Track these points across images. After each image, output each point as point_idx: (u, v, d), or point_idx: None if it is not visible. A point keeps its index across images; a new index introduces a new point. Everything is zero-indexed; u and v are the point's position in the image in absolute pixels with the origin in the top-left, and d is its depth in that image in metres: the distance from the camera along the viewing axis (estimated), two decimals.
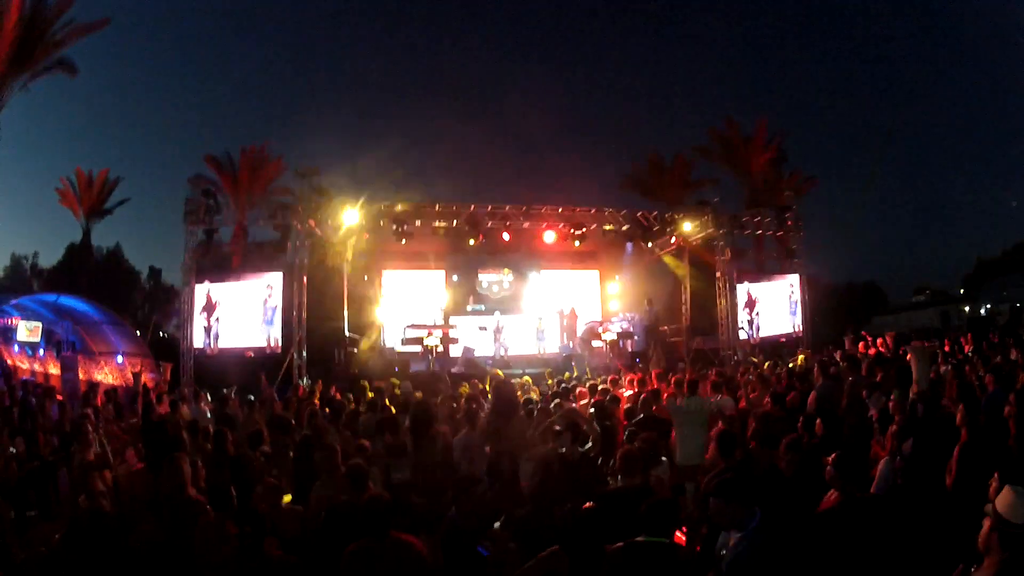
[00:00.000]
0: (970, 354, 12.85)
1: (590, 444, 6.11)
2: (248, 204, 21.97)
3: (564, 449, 5.43)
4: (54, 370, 17.64)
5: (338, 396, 10.34)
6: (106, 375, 18.68)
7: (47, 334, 18.62)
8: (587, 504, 3.65)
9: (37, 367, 17.37)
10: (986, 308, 41.31)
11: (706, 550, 3.77)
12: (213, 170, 24.37)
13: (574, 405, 7.69)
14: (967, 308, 41.95)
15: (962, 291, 48.65)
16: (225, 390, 11.71)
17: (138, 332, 21.27)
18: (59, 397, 12.03)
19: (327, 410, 8.55)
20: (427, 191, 18.53)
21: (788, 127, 26.54)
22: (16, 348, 18.04)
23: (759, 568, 3.22)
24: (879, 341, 13.82)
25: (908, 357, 10.06)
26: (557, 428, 5.80)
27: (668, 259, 19.88)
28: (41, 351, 18.26)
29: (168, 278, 38.53)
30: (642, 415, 6.90)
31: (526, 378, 12.52)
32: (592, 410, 7.41)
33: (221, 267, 17.55)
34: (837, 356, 12.93)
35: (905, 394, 6.41)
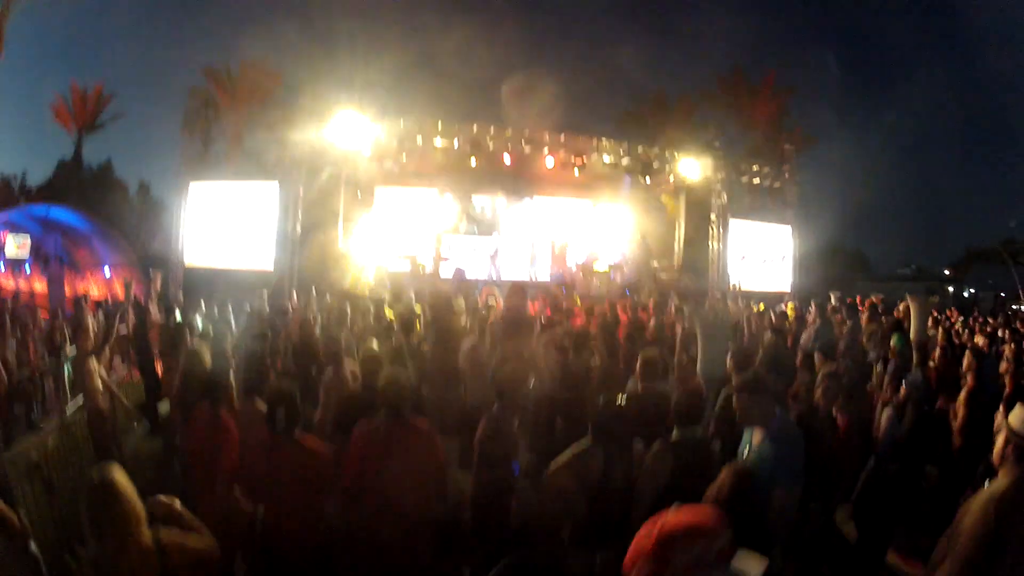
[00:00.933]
0: (957, 324, 13.25)
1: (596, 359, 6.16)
2: (246, 117, 21.59)
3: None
4: (40, 287, 17.56)
5: None
6: (93, 289, 18.61)
7: (35, 249, 18.52)
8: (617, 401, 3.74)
9: (23, 285, 17.19)
10: (970, 292, 41.86)
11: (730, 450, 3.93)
12: (211, 83, 23.93)
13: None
14: (951, 288, 42.52)
15: (947, 272, 49.15)
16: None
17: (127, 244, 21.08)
18: (44, 315, 11.94)
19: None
20: (427, 108, 18.13)
21: (795, 84, 26.15)
22: (2, 267, 17.92)
23: (782, 461, 3.38)
24: (867, 301, 13.95)
25: (901, 307, 10.49)
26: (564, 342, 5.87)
27: (664, 198, 19.94)
28: (27, 267, 18.29)
29: (157, 192, 38.08)
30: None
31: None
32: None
33: (216, 177, 17.35)
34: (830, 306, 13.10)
35: (903, 340, 6.77)
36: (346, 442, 3.79)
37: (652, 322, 8.77)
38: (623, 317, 9.79)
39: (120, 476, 2.55)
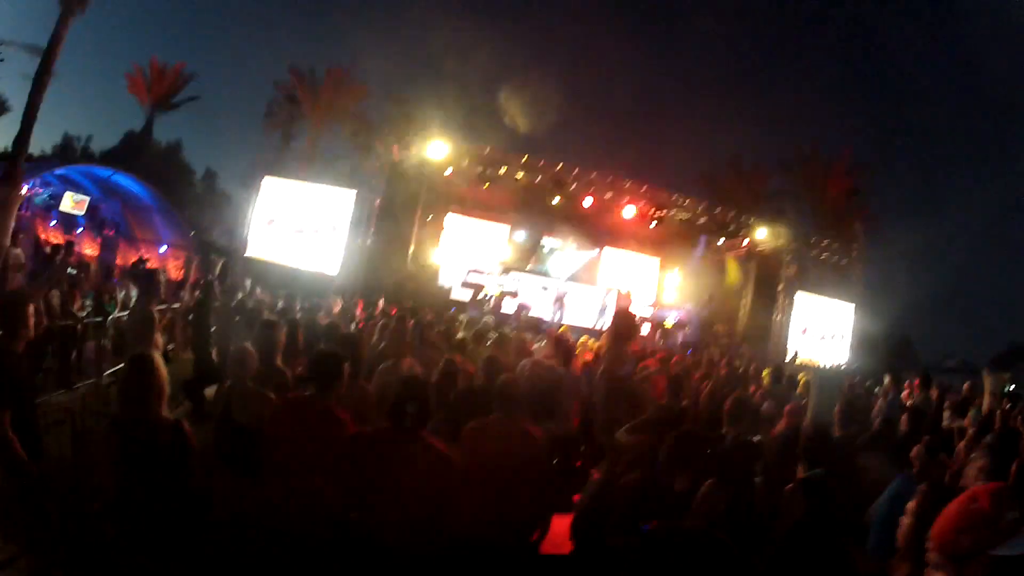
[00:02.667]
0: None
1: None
2: (327, 122, 21.87)
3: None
4: (90, 250, 17.49)
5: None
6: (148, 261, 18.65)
7: (92, 210, 18.37)
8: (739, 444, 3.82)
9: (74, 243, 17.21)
10: (1010, 388, 40.67)
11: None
12: (295, 81, 24.30)
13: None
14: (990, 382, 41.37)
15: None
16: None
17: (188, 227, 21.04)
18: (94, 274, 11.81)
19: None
20: (511, 142, 18.20)
21: (870, 164, 26.06)
22: (53, 222, 17.62)
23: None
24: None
25: (965, 387, 10.38)
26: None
27: (730, 263, 19.74)
28: (80, 228, 17.96)
29: (222, 184, 38.49)
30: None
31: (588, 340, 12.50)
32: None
33: (291, 175, 17.48)
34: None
35: (979, 412, 6.87)
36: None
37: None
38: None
39: (158, 358, 3.06)
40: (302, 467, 3.30)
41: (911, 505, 2.95)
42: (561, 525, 4.04)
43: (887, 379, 16.07)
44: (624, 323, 6.42)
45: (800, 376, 10.30)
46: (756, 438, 4.57)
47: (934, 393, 9.82)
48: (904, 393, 10.01)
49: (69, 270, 10.05)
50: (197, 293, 9.94)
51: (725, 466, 3.54)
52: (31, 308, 3.55)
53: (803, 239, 19.08)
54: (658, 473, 3.75)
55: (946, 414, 8.38)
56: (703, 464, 3.56)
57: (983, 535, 1.78)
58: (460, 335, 7.99)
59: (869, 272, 21.02)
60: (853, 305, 20.17)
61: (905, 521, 2.86)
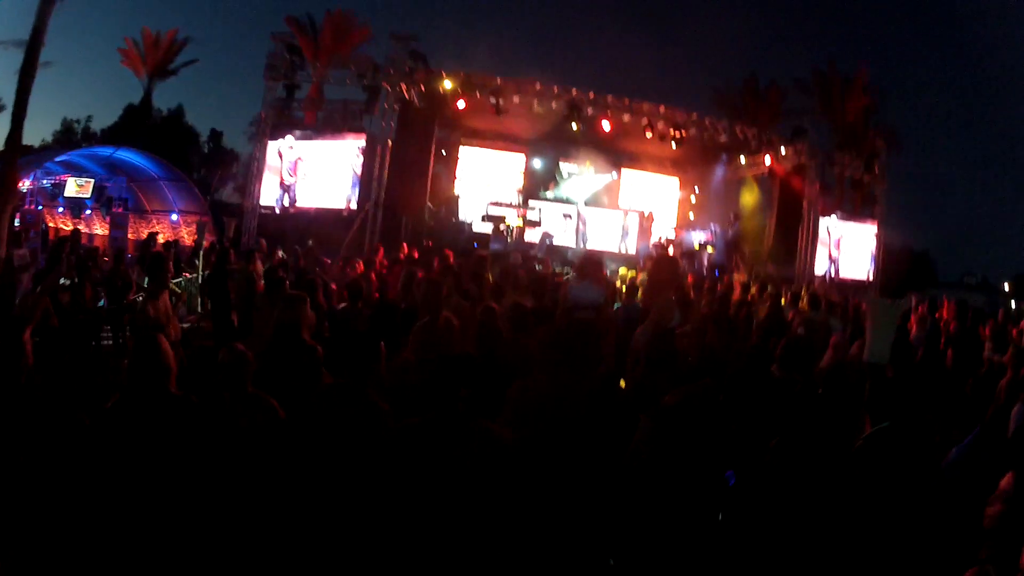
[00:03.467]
0: None
1: None
2: (331, 67, 21.33)
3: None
4: (100, 230, 17.30)
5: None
6: (158, 234, 18.45)
7: (98, 191, 18.04)
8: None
9: (82, 228, 16.97)
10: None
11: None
12: (294, 31, 23.61)
13: None
14: (1013, 304, 41.13)
15: (1006, 286, 47.68)
16: (298, 247, 11.37)
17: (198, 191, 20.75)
18: (105, 259, 11.40)
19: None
20: (523, 69, 17.67)
21: (888, 82, 25.57)
22: (60, 209, 17.46)
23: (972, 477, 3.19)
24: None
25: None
26: None
27: (750, 184, 19.43)
28: (88, 210, 17.84)
29: (228, 142, 38.06)
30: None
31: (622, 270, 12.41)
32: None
33: (298, 126, 17.10)
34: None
35: (1020, 350, 6.30)
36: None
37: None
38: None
39: (163, 339, 3.05)
40: (337, 467, 2.92)
41: (1005, 486, 2.69)
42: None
43: (913, 299, 15.89)
44: (667, 269, 6.14)
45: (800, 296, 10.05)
46: None
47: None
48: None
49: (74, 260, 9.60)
50: (212, 259, 9.80)
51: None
52: (28, 334, 3.28)
53: (824, 156, 18.67)
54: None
55: (987, 346, 8.12)
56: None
57: None
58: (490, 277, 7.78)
59: (891, 190, 20.66)
60: (875, 224, 19.96)
61: (994, 507, 2.64)
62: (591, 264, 6.01)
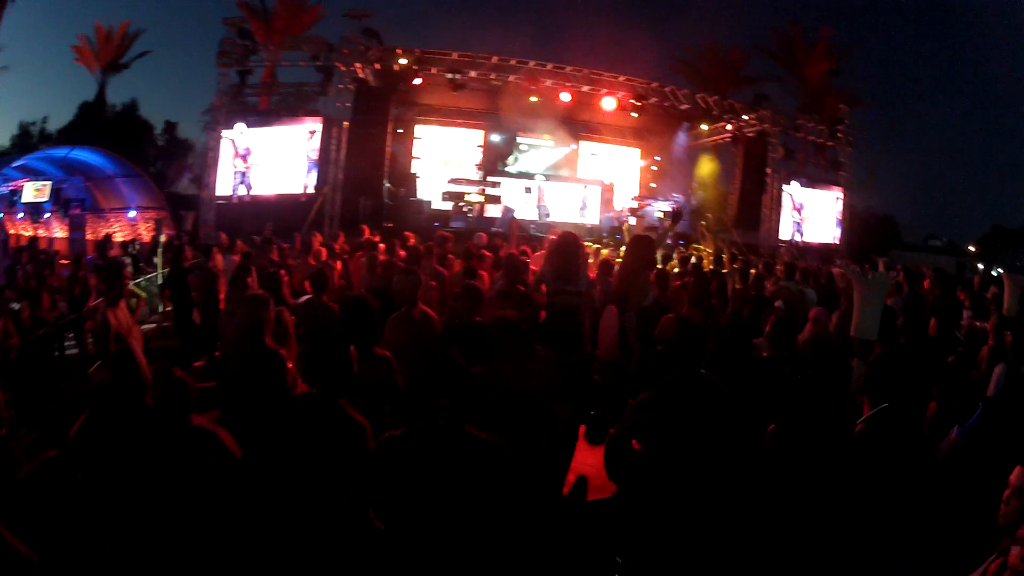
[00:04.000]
0: None
1: None
2: (284, 50, 20.85)
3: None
4: (60, 233, 16.94)
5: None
6: (116, 233, 18.00)
7: (55, 193, 17.60)
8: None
9: (42, 232, 16.52)
10: (998, 271, 41.09)
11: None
12: (246, 14, 23.01)
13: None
14: (980, 266, 41.77)
15: (971, 248, 48.44)
16: (256, 237, 11.00)
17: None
18: (64, 261, 11.02)
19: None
20: (473, 44, 17.31)
21: (848, 44, 25.46)
22: (20, 215, 16.95)
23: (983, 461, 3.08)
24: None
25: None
26: None
27: (708, 152, 19.41)
28: (47, 213, 17.34)
29: (183, 132, 37.25)
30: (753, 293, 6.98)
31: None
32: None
33: (252, 112, 16.65)
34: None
35: (1002, 316, 6.28)
36: None
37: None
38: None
39: (138, 350, 3.04)
40: (312, 486, 2.67)
41: (1016, 482, 2.53)
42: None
43: (880, 263, 15.97)
44: (645, 249, 5.89)
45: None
46: None
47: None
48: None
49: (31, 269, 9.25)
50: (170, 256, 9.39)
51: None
52: None
53: (787, 121, 18.63)
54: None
55: (966, 313, 8.15)
56: None
57: None
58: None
59: (855, 154, 20.73)
60: (840, 189, 20.04)
61: (1011, 503, 2.49)
62: (570, 247, 5.69)
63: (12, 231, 15.87)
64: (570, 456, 3.83)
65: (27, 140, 36.55)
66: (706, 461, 3.06)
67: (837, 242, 19.96)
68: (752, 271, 8.76)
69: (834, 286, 9.25)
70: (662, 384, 3.28)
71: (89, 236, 16.16)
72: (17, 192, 17.23)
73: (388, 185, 16.16)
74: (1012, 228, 49.58)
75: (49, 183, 17.50)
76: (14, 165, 17.34)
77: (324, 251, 8.64)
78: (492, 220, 15.39)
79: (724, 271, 9.62)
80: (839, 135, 19.89)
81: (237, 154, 15.89)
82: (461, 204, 15.55)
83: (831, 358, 4.68)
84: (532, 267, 6.71)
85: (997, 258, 43.94)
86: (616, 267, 6.74)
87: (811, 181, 19.56)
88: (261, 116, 16.47)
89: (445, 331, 4.60)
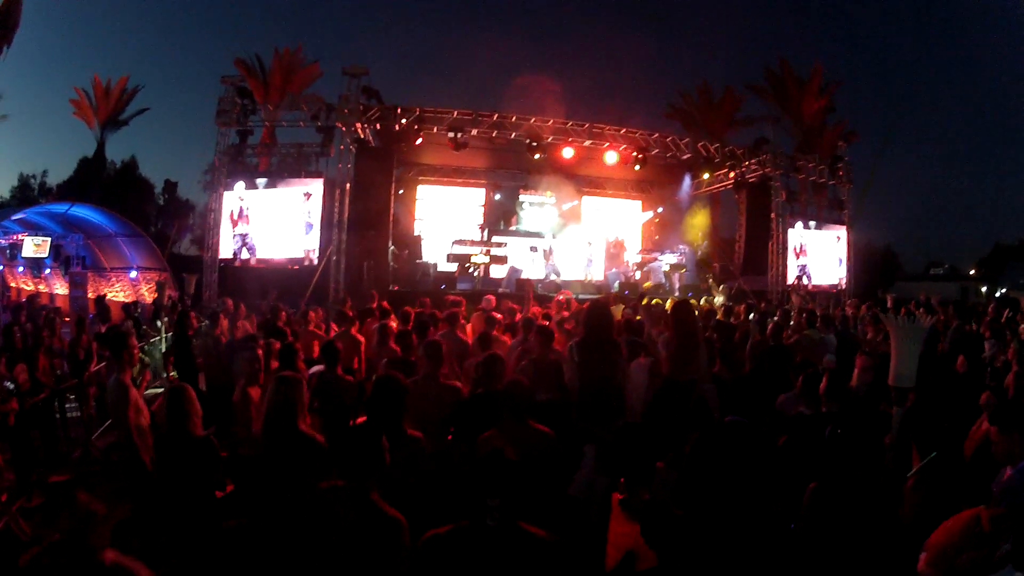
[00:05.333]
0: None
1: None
2: (282, 108, 20.90)
3: None
4: (61, 289, 16.90)
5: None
6: (117, 293, 17.87)
7: (55, 249, 17.59)
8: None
9: (43, 287, 16.42)
10: (1002, 292, 41.11)
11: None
12: (243, 73, 23.12)
13: None
14: (984, 288, 41.71)
15: (972, 271, 48.59)
16: (261, 302, 10.80)
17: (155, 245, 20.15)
18: (67, 319, 11.02)
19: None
20: (471, 102, 17.28)
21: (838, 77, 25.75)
22: (20, 268, 17.05)
23: None
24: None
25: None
26: None
27: (706, 202, 19.38)
28: (47, 269, 17.43)
29: (183, 192, 37.31)
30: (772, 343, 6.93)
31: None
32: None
33: (253, 173, 16.57)
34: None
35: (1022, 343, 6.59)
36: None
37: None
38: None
39: (191, 389, 3.87)
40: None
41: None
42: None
43: (888, 299, 15.86)
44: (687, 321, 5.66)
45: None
46: None
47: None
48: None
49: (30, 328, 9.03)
50: (175, 318, 9.14)
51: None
52: None
53: (787, 163, 18.61)
54: None
55: (986, 345, 8.26)
56: None
57: (980, 558, 1.85)
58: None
59: (856, 191, 20.70)
60: (844, 228, 19.97)
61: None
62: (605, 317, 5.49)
63: (13, 284, 15.69)
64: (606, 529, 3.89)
65: (27, 192, 36.61)
66: (748, 517, 2.83)
67: (843, 283, 19.83)
68: (769, 321, 8.61)
69: (850, 330, 9.17)
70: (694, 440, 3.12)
71: (91, 294, 15.99)
72: (17, 246, 17.22)
73: (392, 247, 16.00)
74: (1012, 243, 49.80)
75: (49, 239, 17.51)
76: (14, 218, 17.39)
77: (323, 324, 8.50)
78: (498, 281, 15.22)
79: (739, 321, 9.47)
80: (840, 173, 19.91)
81: (237, 216, 15.76)
82: (467, 265, 15.38)
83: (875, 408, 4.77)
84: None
85: (999, 279, 43.98)
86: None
87: (814, 222, 19.50)
88: (262, 177, 16.37)
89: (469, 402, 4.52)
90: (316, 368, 5.50)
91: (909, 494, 3.11)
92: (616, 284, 15.55)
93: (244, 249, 15.65)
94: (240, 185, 15.76)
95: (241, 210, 15.75)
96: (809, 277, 18.93)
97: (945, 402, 4.76)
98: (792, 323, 9.08)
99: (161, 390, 9.04)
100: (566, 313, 8.51)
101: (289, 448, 3.44)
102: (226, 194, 15.72)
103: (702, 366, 5.28)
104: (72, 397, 8.12)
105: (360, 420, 3.59)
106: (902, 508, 3.16)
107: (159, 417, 4.40)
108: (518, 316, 8.41)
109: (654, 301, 10.39)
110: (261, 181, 15.96)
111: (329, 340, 5.97)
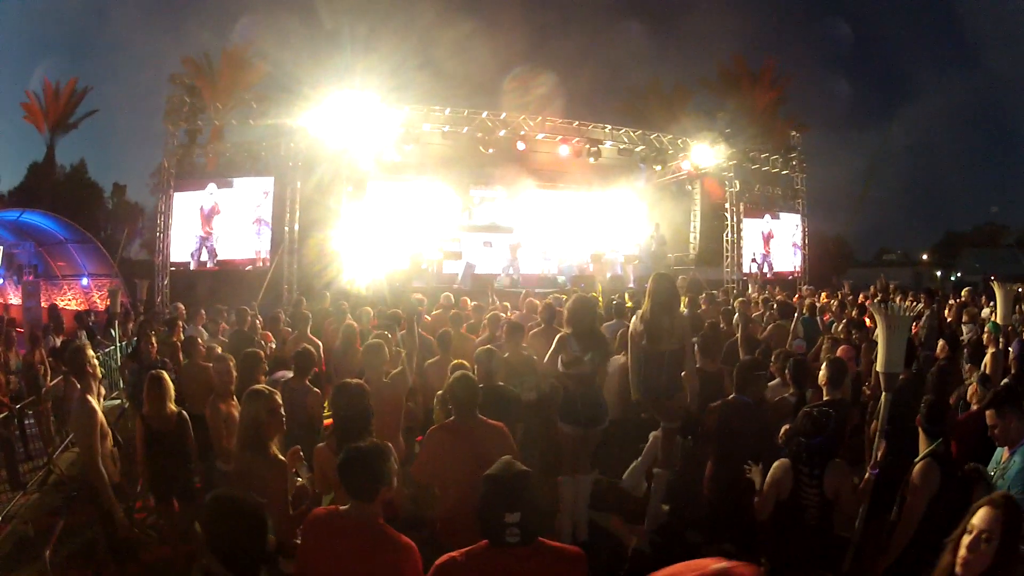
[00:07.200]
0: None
1: None
2: (231, 109, 20.46)
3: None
4: (14, 300, 16.36)
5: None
6: (69, 301, 17.37)
7: (7, 258, 17.18)
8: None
9: None
10: (957, 276, 42.16)
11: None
12: (191, 71, 22.51)
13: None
14: (938, 273, 42.75)
15: (924, 257, 49.77)
16: (222, 307, 10.46)
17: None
18: (19, 330, 10.54)
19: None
20: (424, 98, 16.89)
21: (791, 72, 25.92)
22: None
23: None
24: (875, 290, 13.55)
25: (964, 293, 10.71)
26: None
27: (664, 192, 19.47)
28: (0, 279, 16.98)
29: (132, 195, 36.35)
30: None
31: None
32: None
33: (202, 173, 16.17)
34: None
35: (996, 327, 6.74)
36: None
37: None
38: None
39: (98, 409, 4.02)
40: None
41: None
42: None
43: (845, 284, 16.07)
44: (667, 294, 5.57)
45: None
46: None
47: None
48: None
49: None
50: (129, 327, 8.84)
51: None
52: None
53: (741, 154, 18.82)
54: None
55: (965, 328, 8.99)
56: None
57: None
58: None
59: (811, 180, 21.02)
60: (799, 216, 20.27)
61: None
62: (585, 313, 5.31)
63: None
64: None
65: None
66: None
67: (798, 270, 20.14)
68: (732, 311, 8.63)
69: (816, 320, 9.24)
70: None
71: (43, 304, 15.55)
72: None
73: (340, 249, 15.71)
74: (965, 230, 51.23)
75: (0, 248, 16.98)
76: None
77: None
78: (452, 277, 15.07)
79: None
80: (793, 162, 20.23)
81: (203, 216, 15.34)
82: (420, 263, 15.17)
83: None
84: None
85: (955, 264, 45.15)
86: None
87: (771, 211, 19.78)
88: (211, 177, 15.98)
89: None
90: (281, 374, 5.32)
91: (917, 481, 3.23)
92: (571, 278, 15.54)
93: (204, 251, 15.25)
94: (212, 184, 15.39)
95: (190, 211, 15.34)
96: (771, 265, 19.17)
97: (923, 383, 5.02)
98: (758, 313, 9.22)
99: (118, 403, 8.77)
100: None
101: (259, 467, 3.26)
102: (174, 195, 15.30)
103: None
104: (30, 413, 7.72)
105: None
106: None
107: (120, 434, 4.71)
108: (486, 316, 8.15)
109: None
110: (211, 181, 15.57)
111: (303, 348, 5.58)
